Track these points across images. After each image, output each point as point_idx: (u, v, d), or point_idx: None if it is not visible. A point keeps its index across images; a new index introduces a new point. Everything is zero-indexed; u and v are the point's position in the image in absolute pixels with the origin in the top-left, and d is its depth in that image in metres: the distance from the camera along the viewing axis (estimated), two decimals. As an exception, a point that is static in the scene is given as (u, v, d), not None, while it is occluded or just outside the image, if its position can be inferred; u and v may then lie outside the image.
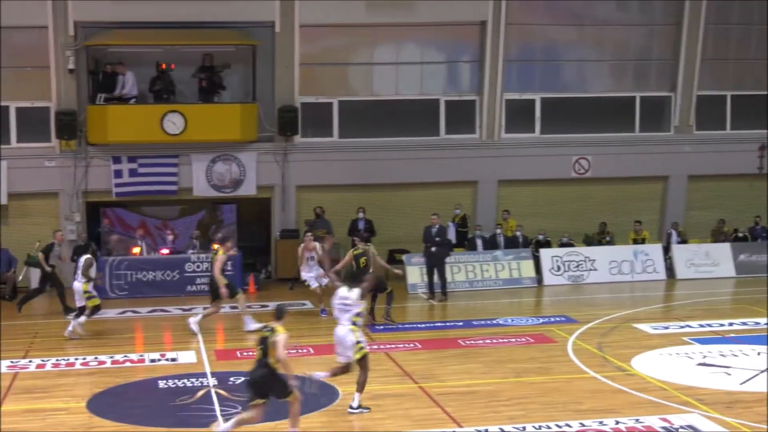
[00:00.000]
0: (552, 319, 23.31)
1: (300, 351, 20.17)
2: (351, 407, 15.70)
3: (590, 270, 28.48)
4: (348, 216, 28.39)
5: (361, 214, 28.03)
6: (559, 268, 28.37)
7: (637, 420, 15.28)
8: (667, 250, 29.23)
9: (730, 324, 22.34)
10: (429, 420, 15.50)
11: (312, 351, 20.22)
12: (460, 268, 27.45)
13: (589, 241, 29.71)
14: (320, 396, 16.15)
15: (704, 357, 19.24)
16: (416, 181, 29.31)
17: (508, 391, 17.09)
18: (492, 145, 29.76)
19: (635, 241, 29.55)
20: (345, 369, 15.94)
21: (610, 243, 29.52)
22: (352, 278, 16.94)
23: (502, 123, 29.93)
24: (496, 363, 19.21)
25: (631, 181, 30.75)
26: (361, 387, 15.75)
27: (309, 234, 24.42)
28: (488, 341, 21.04)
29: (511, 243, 28.91)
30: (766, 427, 15.01)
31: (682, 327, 21.90)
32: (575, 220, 30.44)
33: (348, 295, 15.86)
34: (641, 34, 30.63)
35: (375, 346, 20.55)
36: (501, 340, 21.05)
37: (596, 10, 30.16)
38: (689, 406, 16.06)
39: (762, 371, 18.27)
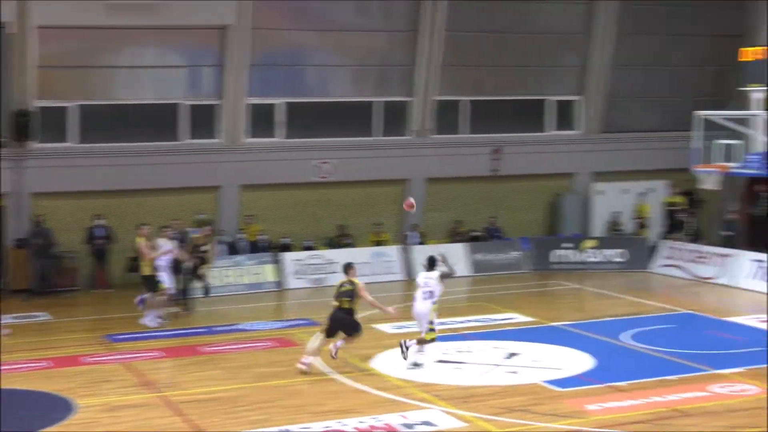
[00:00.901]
0: (294, 323, 23.48)
1: (37, 364, 19.54)
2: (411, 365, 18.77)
3: (332, 272, 28.75)
4: (88, 223, 27.73)
5: (98, 221, 27.37)
6: (301, 272, 28.58)
7: (377, 418, 15.60)
8: (406, 251, 29.91)
9: (467, 321, 23.11)
10: (170, 429, 15.36)
11: (52, 364, 19.62)
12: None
13: (330, 244, 30.06)
14: (54, 411, 15.78)
15: (442, 354, 19.83)
16: (158, 186, 28.82)
17: (251, 396, 17.14)
18: (234, 149, 29.63)
19: (376, 243, 30.11)
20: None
21: (350, 245, 29.94)
22: (430, 263, 19.24)
23: (245, 127, 29.86)
24: (238, 368, 19.21)
25: (372, 185, 31.24)
26: (419, 343, 18.85)
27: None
28: (230, 347, 21.03)
29: (254, 248, 28.93)
30: (498, 418, 15.64)
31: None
32: (318, 223, 30.68)
33: (430, 277, 19.05)
34: (382, 39, 31.11)
35: (117, 356, 20.20)
36: (243, 346, 21.07)
37: (339, 16, 30.41)
38: (427, 402, 16.55)
39: (496, 365, 19.02)
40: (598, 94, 32.97)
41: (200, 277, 25.46)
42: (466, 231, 31.41)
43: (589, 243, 30.93)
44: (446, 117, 31.86)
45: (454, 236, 31.13)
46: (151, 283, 23.17)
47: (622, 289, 27.68)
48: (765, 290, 26.54)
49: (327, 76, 31.20)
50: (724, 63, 32.66)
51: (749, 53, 23.77)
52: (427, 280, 19.12)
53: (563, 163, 33.05)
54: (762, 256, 27.84)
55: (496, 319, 23.24)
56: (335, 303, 18.84)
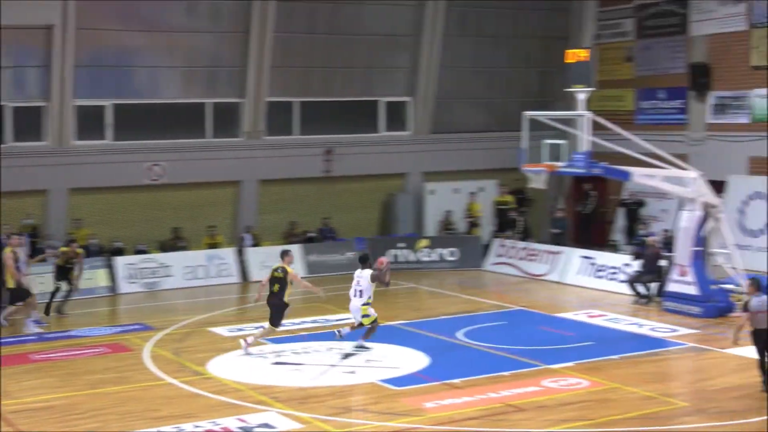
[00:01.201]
0: (128, 328, 23.08)
1: None
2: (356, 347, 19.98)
3: (166, 276, 28.45)
4: None
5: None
6: (134, 276, 28.11)
7: (214, 422, 15.48)
8: (241, 253, 29.74)
9: (302, 322, 23.10)
10: (-1, 440, 14.93)
11: None
12: (29, 281, 26.36)
13: (164, 248, 29.64)
14: None
15: (278, 356, 19.81)
16: (-19, 190, 27.96)
17: (85, 404, 16.80)
18: (62, 152, 28.90)
19: (210, 246, 29.82)
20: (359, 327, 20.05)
21: (184, 248, 29.58)
22: (362, 260, 20.25)
23: (72, 129, 29.16)
24: (71, 376, 18.78)
25: (205, 187, 30.92)
26: (366, 336, 20.06)
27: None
28: (63, 354, 20.54)
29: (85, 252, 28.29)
30: (336, 418, 15.70)
31: (256, 328, 22.26)
32: (151, 226, 30.18)
33: (361, 275, 19.83)
34: (211, 40, 30.80)
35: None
36: (76, 352, 20.59)
37: (168, 17, 29.98)
38: (265, 404, 16.50)
39: (333, 366, 19.09)
40: (428, 95, 33.41)
41: (73, 287, 25.16)
42: (300, 232, 31.40)
43: (423, 242, 31.17)
44: (278, 118, 31.76)
45: (289, 237, 31.08)
46: (20, 294, 22.74)
47: (456, 287, 28.16)
48: (593, 286, 27.40)
49: (156, 77, 30.70)
50: (550, 64, 33.56)
51: (574, 55, 24.46)
52: (359, 279, 19.94)
53: (395, 164, 33.37)
54: (590, 252, 28.71)
55: (331, 320, 23.25)
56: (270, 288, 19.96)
